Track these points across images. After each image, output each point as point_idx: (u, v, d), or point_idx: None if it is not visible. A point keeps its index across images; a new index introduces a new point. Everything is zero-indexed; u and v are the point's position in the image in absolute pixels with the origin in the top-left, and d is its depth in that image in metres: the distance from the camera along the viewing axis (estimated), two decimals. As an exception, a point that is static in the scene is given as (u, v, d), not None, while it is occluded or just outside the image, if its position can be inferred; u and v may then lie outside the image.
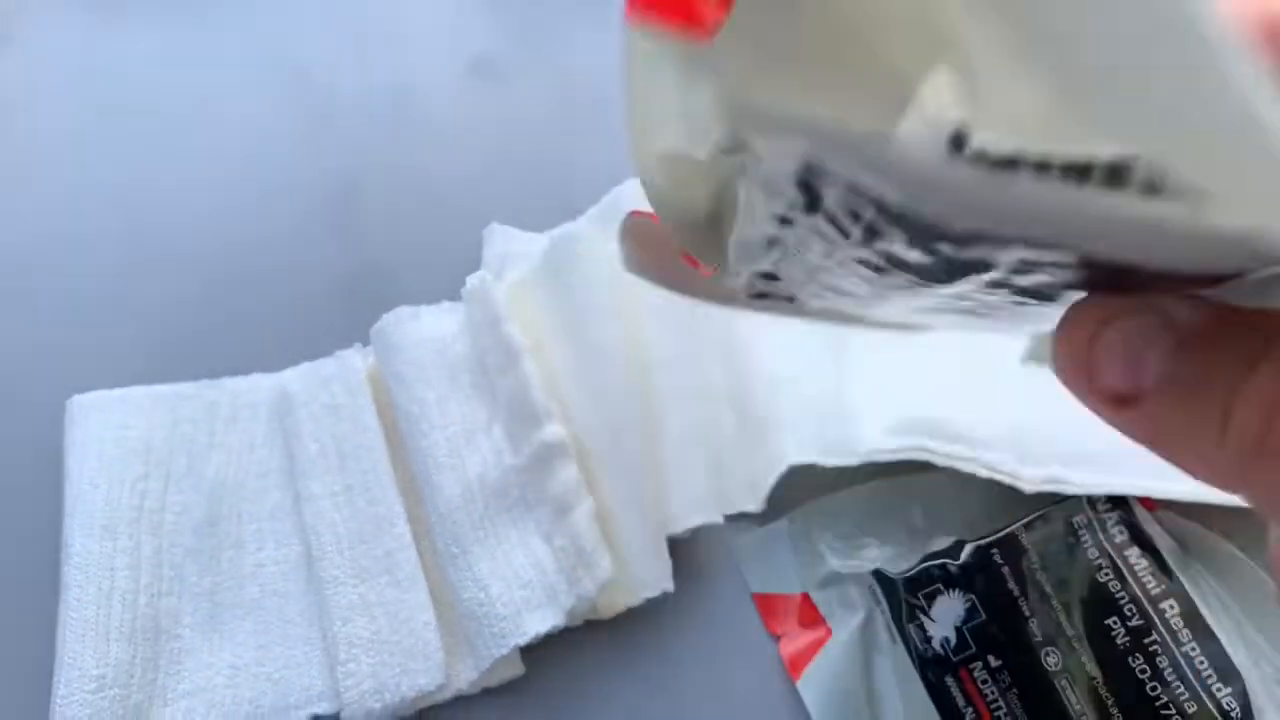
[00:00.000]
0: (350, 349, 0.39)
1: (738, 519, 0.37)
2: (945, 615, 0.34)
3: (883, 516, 0.37)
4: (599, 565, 0.33)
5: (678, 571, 0.35)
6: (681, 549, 0.36)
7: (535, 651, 0.34)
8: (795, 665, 0.35)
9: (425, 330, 0.38)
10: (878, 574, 0.35)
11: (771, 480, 0.37)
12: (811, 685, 0.34)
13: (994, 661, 0.33)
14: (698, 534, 0.36)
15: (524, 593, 0.33)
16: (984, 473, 0.35)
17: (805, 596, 0.36)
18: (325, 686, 0.33)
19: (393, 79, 0.51)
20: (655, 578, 0.34)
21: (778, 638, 0.36)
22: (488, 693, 0.34)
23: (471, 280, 0.39)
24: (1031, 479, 0.35)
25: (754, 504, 0.37)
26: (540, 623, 0.33)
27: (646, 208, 0.19)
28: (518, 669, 0.34)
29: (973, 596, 0.34)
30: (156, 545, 0.36)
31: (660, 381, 0.37)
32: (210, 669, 0.34)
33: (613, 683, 0.34)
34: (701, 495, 0.36)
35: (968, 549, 0.35)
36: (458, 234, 0.45)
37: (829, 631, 0.35)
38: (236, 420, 0.39)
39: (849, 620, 0.35)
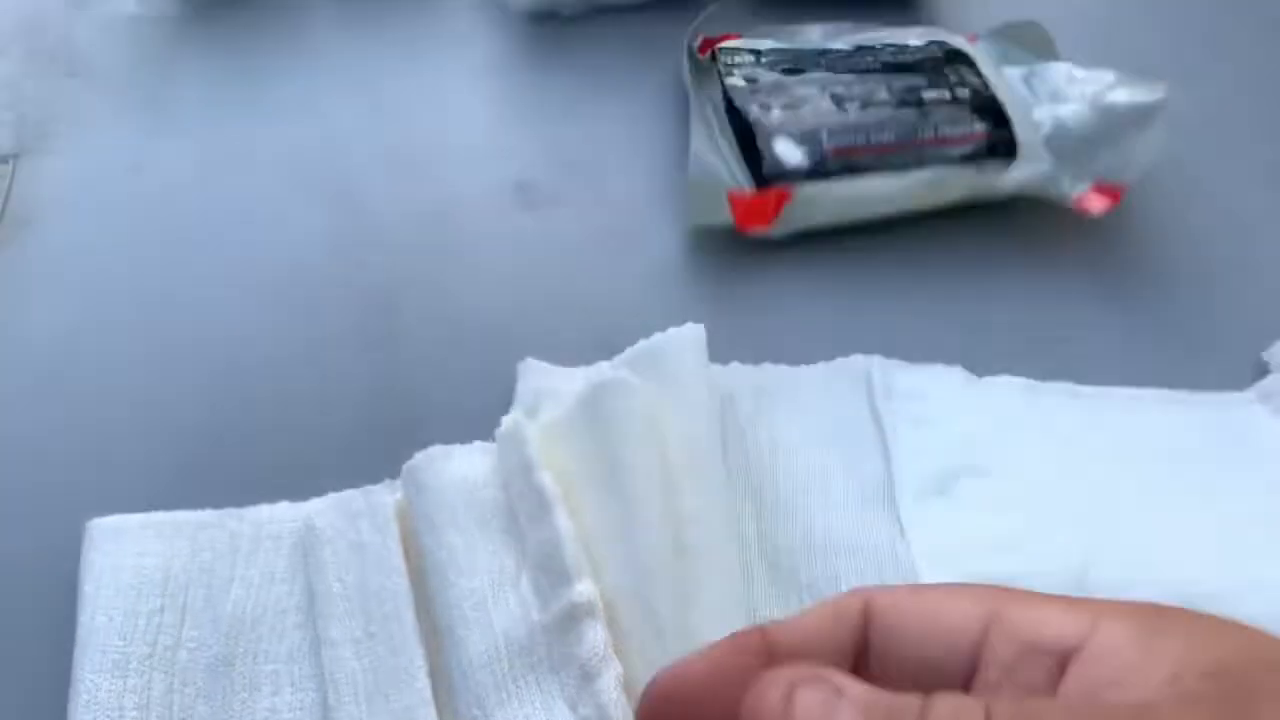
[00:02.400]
0: (380, 484, 0.38)
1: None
2: None
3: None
4: (625, 738, 0.32)
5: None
6: None
7: (553, 823, 0.33)
8: None
9: (456, 471, 0.37)
10: None
11: None
12: None
13: None
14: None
15: (545, 763, 0.32)
16: None
17: None
18: None
19: (434, 200, 0.51)
20: (682, 751, 0.33)
21: None
22: None
23: (506, 422, 0.38)
24: None
25: (787, 671, 0.36)
26: (561, 796, 0.31)
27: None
28: (533, 842, 0.32)
29: None
30: (168, 684, 0.35)
31: (696, 540, 0.36)
32: (215, 823, 0.32)
33: None
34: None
35: None
36: (493, 363, 0.44)
37: None
38: (258, 552, 0.38)
39: None
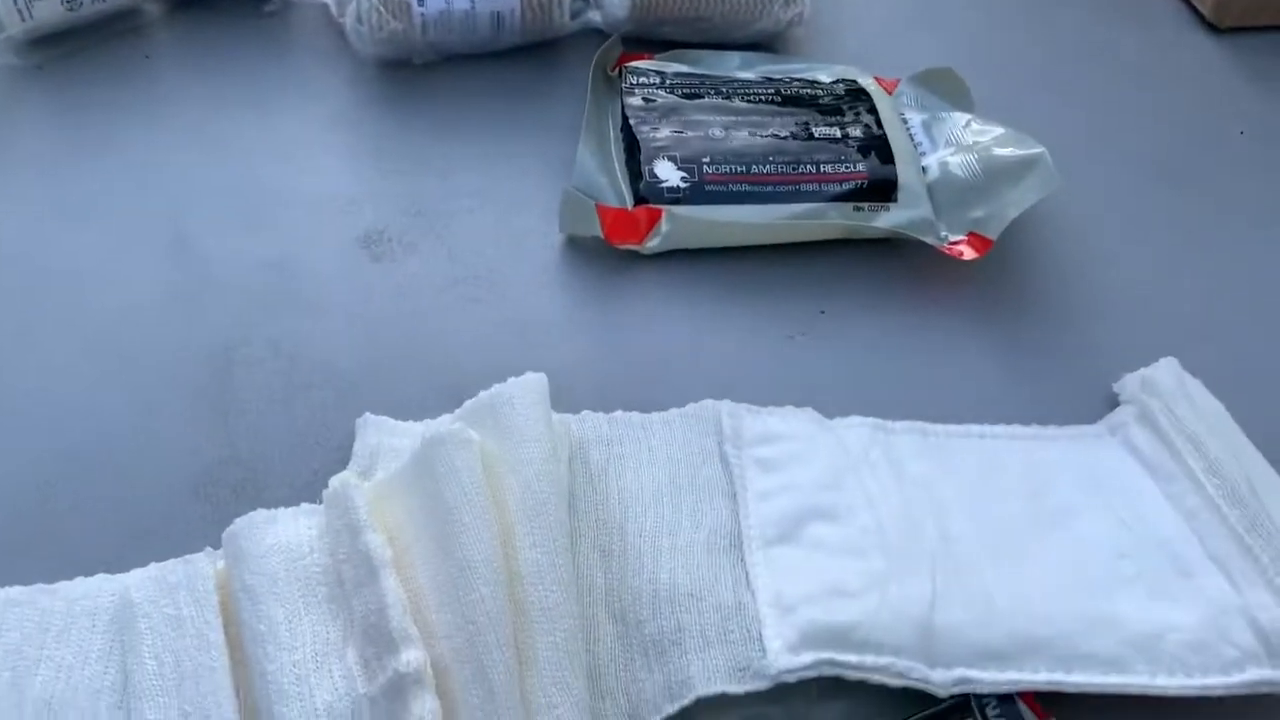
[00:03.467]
0: (200, 553, 0.37)
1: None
2: None
3: (774, 702, 0.35)
4: (452, 814, 0.30)
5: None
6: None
7: None
8: None
9: (280, 537, 0.35)
10: None
11: (671, 709, 0.35)
12: None
13: None
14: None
15: (367, 845, 0.30)
16: (896, 682, 0.35)
17: None
18: None
19: (278, 252, 0.49)
20: (516, 824, 0.31)
21: None
22: None
23: (333, 483, 0.36)
24: (943, 683, 0.35)
25: (631, 732, 0.35)
26: None
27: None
28: None
29: None
30: (-36, 778, 0.32)
31: (533, 597, 0.34)
32: None
33: None
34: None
35: None
36: (331, 421, 0.43)
37: None
38: (71, 630, 0.36)
39: None
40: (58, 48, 0.59)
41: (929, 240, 0.50)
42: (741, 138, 0.52)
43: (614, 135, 0.54)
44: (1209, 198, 0.57)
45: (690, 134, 0.52)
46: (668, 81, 0.56)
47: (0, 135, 0.55)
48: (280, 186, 0.53)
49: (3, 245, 0.49)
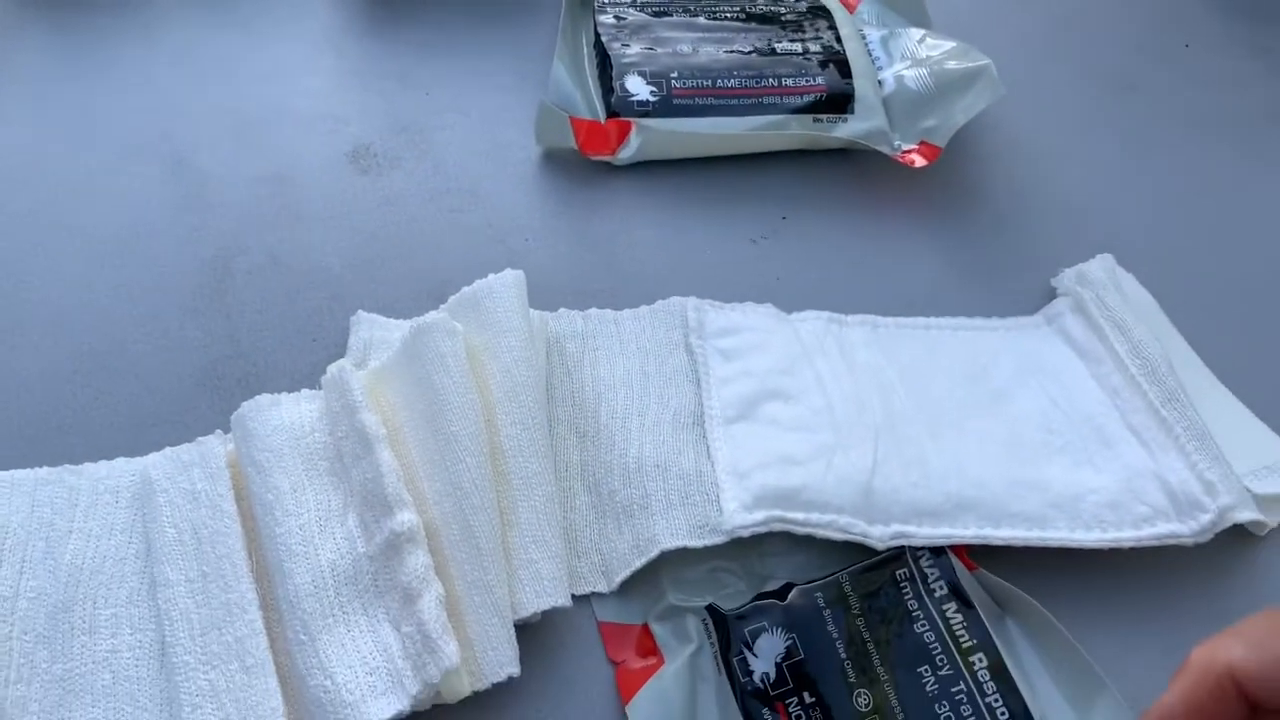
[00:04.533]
0: (212, 435, 0.40)
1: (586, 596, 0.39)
2: (767, 651, 0.36)
3: (728, 557, 0.40)
4: (445, 652, 0.34)
5: (526, 654, 0.36)
6: (530, 631, 0.38)
7: (383, 735, 0.35)
8: (627, 690, 0.36)
9: (284, 418, 0.39)
10: (711, 609, 0.38)
11: (639, 563, 0.39)
12: (639, 709, 0.36)
13: (808, 698, 0.35)
14: (548, 615, 0.38)
15: (370, 679, 0.34)
16: (838, 536, 0.39)
17: (645, 627, 0.38)
18: (172, 773, 0.34)
19: (271, 167, 0.52)
20: (502, 663, 0.35)
21: (617, 664, 0.37)
22: (334, 777, 0.34)
23: (331, 369, 0.40)
24: (881, 537, 0.39)
25: (605, 586, 0.39)
26: (385, 709, 0.34)
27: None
28: (363, 753, 0.34)
29: (794, 636, 0.37)
30: (8, 631, 0.36)
31: (513, 468, 0.38)
32: (56, 757, 0.34)
33: (458, 765, 0.35)
34: (551, 581, 0.37)
35: (794, 591, 0.38)
36: (327, 321, 0.46)
37: (661, 660, 0.37)
38: (97, 506, 0.39)
39: (681, 651, 0.37)
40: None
41: (883, 149, 0.53)
42: (708, 53, 0.55)
43: (587, 52, 0.57)
44: (1152, 108, 0.60)
45: (659, 50, 0.55)
46: (638, 0, 0.59)
47: (2, 61, 0.57)
48: (271, 105, 0.55)
49: (10, 167, 0.51)
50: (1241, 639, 0.26)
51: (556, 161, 0.54)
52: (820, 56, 0.56)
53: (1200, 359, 0.47)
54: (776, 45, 0.56)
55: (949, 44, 0.56)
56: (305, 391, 0.41)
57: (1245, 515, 0.40)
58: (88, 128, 0.54)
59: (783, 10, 0.59)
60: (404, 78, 0.57)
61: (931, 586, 0.38)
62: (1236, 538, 0.41)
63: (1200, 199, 0.56)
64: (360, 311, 0.45)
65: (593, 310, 0.47)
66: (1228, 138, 0.59)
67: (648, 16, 0.58)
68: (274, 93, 0.56)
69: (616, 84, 0.54)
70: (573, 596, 0.38)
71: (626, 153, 0.53)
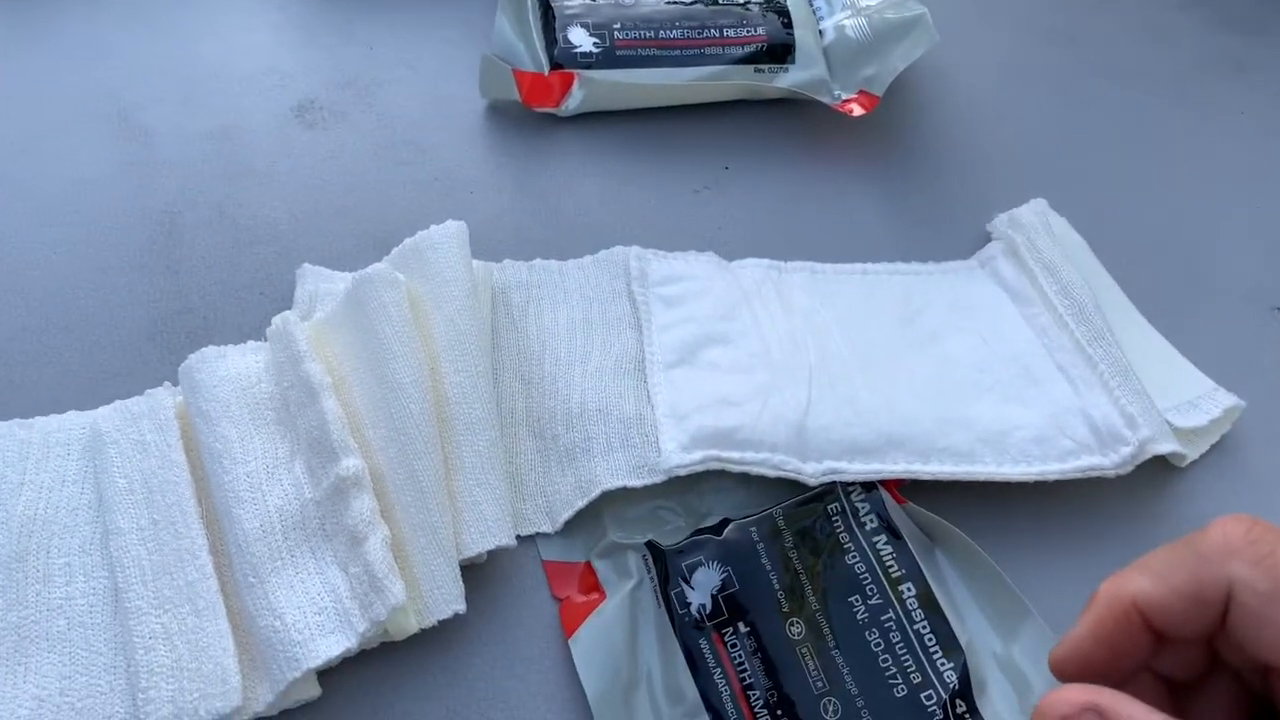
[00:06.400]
0: (160, 387, 0.41)
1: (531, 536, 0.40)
2: (704, 584, 0.38)
3: (668, 496, 0.41)
4: (391, 591, 0.35)
5: (472, 592, 0.38)
6: (476, 570, 0.39)
7: (333, 674, 0.36)
8: (570, 625, 0.38)
9: (230, 369, 0.40)
10: (650, 544, 0.39)
11: (581, 504, 0.40)
12: (581, 643, 0.37)
13: (743, 628, 0.37)
14: (493, 555, 0.39)
15: (318, 618, 0.35)
16: (772, 473, 0.40)
17: (588, 564, 0.39)
18: (127, 713, 0.35)
19: (216, 124, 0.52)
20: (448, 601, 0.37)
21: (560, 600, 0.39)
22: (286, 714, 0.36)
23: (276, 320, 0.41)
24: (814, 473, 0.40)
25: (550, 526, 0.40)
26: (333, 647, 0.35)
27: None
28: (314, 691, 0.36)
29: (729, 569, 0.38)
30: (-39, 583, 0.37)
31: (457, 414, 0.39)
32: (13, 702, 0.35)
33: (407, 700, 0.37)
34: (495, 522, 0.38)
35: (730, 526, 0.39)
36: (274, 274, 0.46)
37: (603, 596, 0.38)
38: (48, 458, 0.40)
39: (622, 586, 0.39)
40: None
41: (823, 99, 0.54)
42: (650, 4, 0.56)
43: (530, 4, 0.58)
44: (1088, 56, 0.62)
45: (602, 1, 0.56)
46: (582, -48, 0.59)
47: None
48: (216, 61, 0.56)
49: (-47, 124, 0.52)
50: (1147, 571, 0.27)
51: (501, 114, 0.54)
52: (761, 6, 0.56)
53: (1128, 298, 0.48)
54: (719, -5, 0.57)
55: (889, -8, 0.57)
56: (251, 343, 0.42)
57: (1165, 447, 0.41)
58: (33, 86, 0.54)
59: (726, -39, 0.59)
60: (349, 32, 0.58)
61: (862, 520, 0.39)
62: (1158, 470, 0.43)
63: (1131, 145, 0.57)
64: (305, 264, 0.45)
65: (537, 260, 0.47)
66: (1158, 87, 0.60)
67: (592, -33, 0.58)
68: (218, 49, 0.56)
69: (559, 35, 0.54)
70: (518, 537, 0.39)
71: (570, 104, 0.54)
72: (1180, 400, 0.44)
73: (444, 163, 0.52)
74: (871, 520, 0.39)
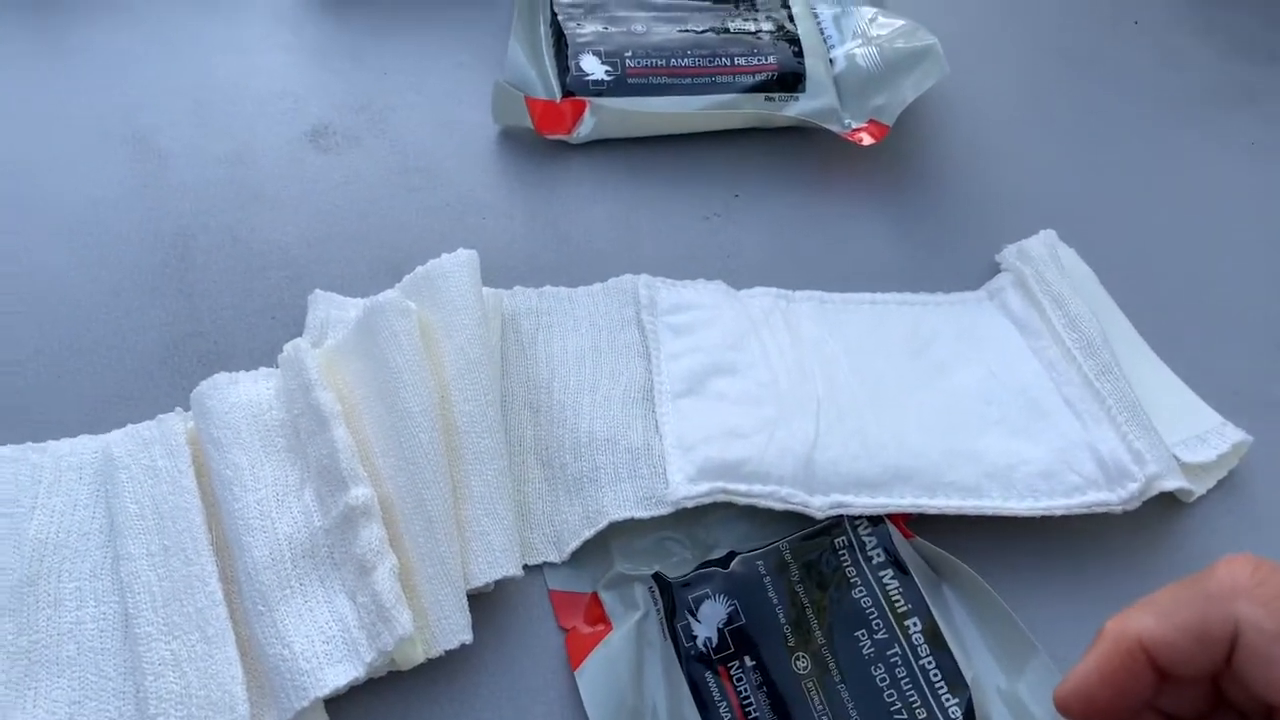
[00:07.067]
0: (172, 413, 0.41)
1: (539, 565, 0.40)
2: (710, 617, 0.38)
3: (675, 527, 0.41)
4: (398, 622, 0.35)
5: (479, 622, 0.38)
6: (483, 600, 0.39)
7: (340, 703, 0.36)
8: (576, 656, 0.38)
9: (242, 395, 0.40)
10: (657, 577, 0.39)
11: (589, 534, 0.40)
12: (587, 675, 0.37)
13: (749, 662, 0.37)
14: (500, 585, 0.39)
15: (326, 647, 0.35)
16: (779, 506, 0.40)
17: (595, 595, 0.40)
18: (135, 740, 0.35)
19: (231, 145, 0.53)
20: (454, 631, 0.37)
21: (566, 631, 0.39)
22: (293, 742, 0.36)
23: (287, 348, 0.41)
24: (820, 507, 0.40)
25: (557, 556, 0.40)
26: (340, 676, 0.35)
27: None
28: (321, 719, 0.36)
29: (736, 602, 0.38)
30: (-28, 606, 0.37)
31: (466, 443, 0.40)
32: (22, 727, 0.35)
33: (413, 729, 0.37)
34: (503, 552, 0.38)
35: (737, 560, 0.39)
36: (286, 299, 0.47)
37: (609, 627, 0.39)
38: (60, 482, 0.40)
39: (628, 618, 0.39)
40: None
41: (833, 128, 0.54)
42: (662, 32, 0.56)
43: (544, 31, 0.58)
44: (1100, 84, 0.62)
45: (614, 29, 0.56)
46: (596, -21, 0.60)
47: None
48: (230, 84, 0.56)
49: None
50: (1153, 609, 0.27)
51: (513, 140, 0.55)
52: (772, 35, 0.57)
53: (1136, 331, 0.48)
54: (730, 24, 0.57)
55: (899, 22, 0.57)
56: (263, 370, 0.42)
57: (1172, 484, 0.41)
58: (50, 107, 0.54)
59: (740, -13, 0.60)
60: (362, 57, 0.58)
61: (869, 554, 0.39)
62: (1165, 506, 0.43)
63: (1143, 176, 0.57)
64: (317, 290, 0.46)
65: (547, 287, 0.48)
66: (1172, 116, 0.61)
67: (606, -5, 0.59)
68: (233, 72, 0.57)
69: (572, 63, 0.55)
70: (525, 566, 0.39)
71: (582, 132, 0.54)
72: (1188, 435, 0.44)
73: (456, 189, 0.52)
74: (878, 554, 0.39)
